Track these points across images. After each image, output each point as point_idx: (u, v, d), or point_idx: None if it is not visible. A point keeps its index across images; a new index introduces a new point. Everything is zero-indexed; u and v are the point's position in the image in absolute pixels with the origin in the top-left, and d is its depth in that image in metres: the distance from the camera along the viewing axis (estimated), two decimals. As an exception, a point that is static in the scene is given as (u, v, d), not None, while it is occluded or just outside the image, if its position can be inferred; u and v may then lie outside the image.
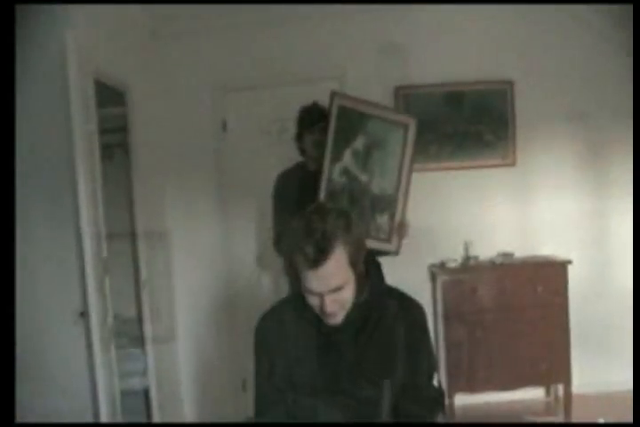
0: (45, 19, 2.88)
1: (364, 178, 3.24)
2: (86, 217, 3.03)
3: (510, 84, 4.38)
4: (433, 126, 4.37)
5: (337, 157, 3.21)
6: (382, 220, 3.24)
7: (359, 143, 3.23)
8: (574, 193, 4.48)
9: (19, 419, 2.41)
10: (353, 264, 1.70)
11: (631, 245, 4.26)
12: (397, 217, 3.24)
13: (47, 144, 3.02)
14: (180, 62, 4.35)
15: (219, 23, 4.23)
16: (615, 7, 3.83)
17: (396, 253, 3.29)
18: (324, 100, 3.26)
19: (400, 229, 3.24)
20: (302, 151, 3.47)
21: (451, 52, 4.33)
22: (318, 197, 3.14)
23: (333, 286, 1.68)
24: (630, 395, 3.89)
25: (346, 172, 3.21)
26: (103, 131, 3.45)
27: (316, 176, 3.24)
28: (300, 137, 3.46)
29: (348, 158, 3.21)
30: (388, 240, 3.25)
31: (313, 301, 1.73)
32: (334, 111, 3.19)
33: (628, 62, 3.78)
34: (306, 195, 3.18)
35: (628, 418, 1.99)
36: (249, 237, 4.36)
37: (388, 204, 3.26)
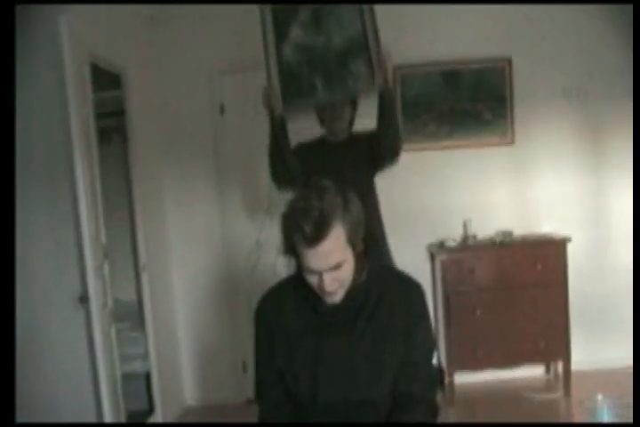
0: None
1: (320, 40, 2.97)
2: (84, 202, 3.03)
3: (508, 61, 4.36)
4: (431, 105, 4.37)
5: (281, 38, 2.97)
6: (358, 67, 2.95)
7: (304, 15, 2.98)
8: (573, 171, 4.47)
9: (20, 404, 2.43)
10: (351, 243, 1.71)
11: (630, 222, 4.26)
12: (373, 57, 2.91)
13: (44, 128, 3.00)
14: (177, 45, 4.31)
15: (214, 6, 4.18)
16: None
17: (386, 87, 3.00)
18: None
19: (380, 63, 2.91)
20: (321, 120, 3.36)
21: (448, 30, 4.30)
22: (269, 84, 2.97)
23: (332, 264, 1.68)
24: (628, 371, 3.94)
25: (296, 46, 2.98)
26: (100, 115, 3.43)
27: (334, 148, 3.26)
28: (319, 112, 3.34)
29: (295, 32, 2.98)
30: (372, 82, 2.93)
31: (312, 279, 1.73)
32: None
33: (627, 39, 3.76)
34: (319, 165, 3.09)
35: (626, 394, 2.00)
36: (247, 220, 4.35)
37: (358, 49, 2.94)
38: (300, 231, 1.63)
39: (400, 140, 3.17)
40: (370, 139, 3.18)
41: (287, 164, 3.15)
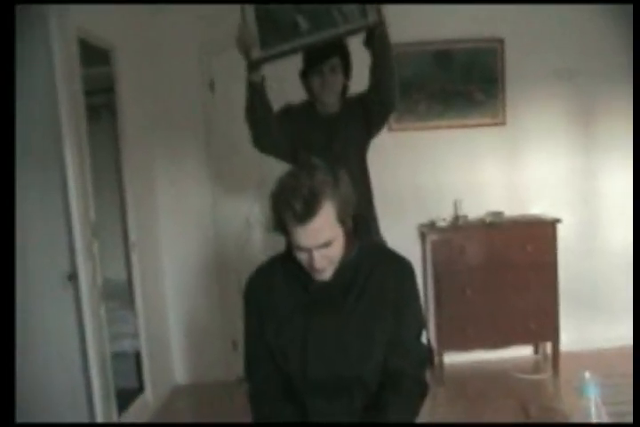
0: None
1: None
2: (73, 179, 3.02)
3: (500, 42, 4.33)
4: (422, 85, 4.34)
5: None
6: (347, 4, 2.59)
7: None
8: (564, 152, 4.47)
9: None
10: (341, 220, 1.71)
11: (620, 204, 4.27)
12: None
13: (33, 106, 2.94)
14: (167, 22, 4.24)
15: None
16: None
17: (380, 23, 2.65)
18: None
19: None
20: (309, 91, 3.00)
21: (441, 9, 4.24)
22: (244, 24, 2.63)
23: (322, 241, 1.68)
24: (617, 351, 3.98)
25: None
26: (89, 92, 3.37)
27: (325, 122, 2.96)
28: (305, 75, 2.98)
29: None
30: (364, 19, 2.57)
31: (302, 256, 1.73)
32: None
33: (621, 21, 3.74)
34: (310, 139, 2.91)
35: (614, 374, 2.01)
36: (238, 199, 4.33)
37: None
38: (290, 209, 1.63)
39: (395, 90, 2.95)
40: (362, 99, 2.94)
41: (268, 127, 2.84)
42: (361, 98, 2.96)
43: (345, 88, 3.01)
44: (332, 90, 2.93)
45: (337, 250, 1.75)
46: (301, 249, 1.71)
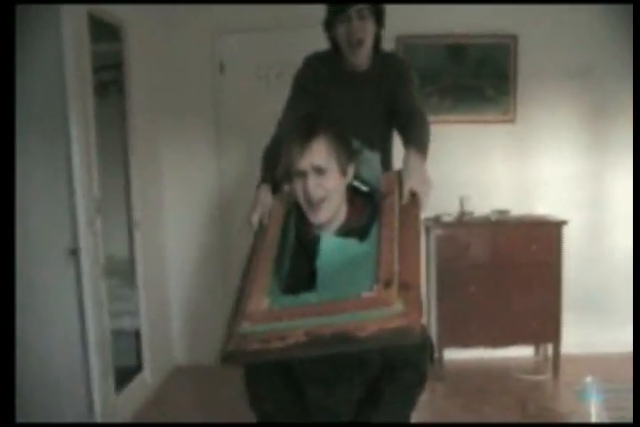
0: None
1: None
2: (78, 155, 3.00)
3: (514, 38, 4.28)
4: (434, 78, 4.29)
5: None
6: None
7: None
8: (573, 153, 4.42)
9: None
10: (337, 157, 1.86)
11: (627, 206, 4.22)
12: None
13: (39, 80, 2.93)
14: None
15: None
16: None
17: None
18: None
19: None
20: (333, 43, 2.61)
21: (455, 3, 4.19)
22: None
23: (316, 163, 1.82)
24: (619, 356, 3.95)
25: None
26: (98, 68, 3.36)
27: (350, 81, 2.60)
28: (330, 25, 2.57)
29: None
30: None
31: (298, 186, 1.86)
32: None
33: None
34: (336, 97, 2.60)
35: (616, 378, 1.99)
36: (244, 180, 4.30)
37: None
38: (296, 133, 1.86)
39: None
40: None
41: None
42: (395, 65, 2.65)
43: (377, 41, 2.60)
44: (361, 41, 2.50)
45: (332, 183, 1.85)
46: (298, 174, 1.84)
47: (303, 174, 1.83)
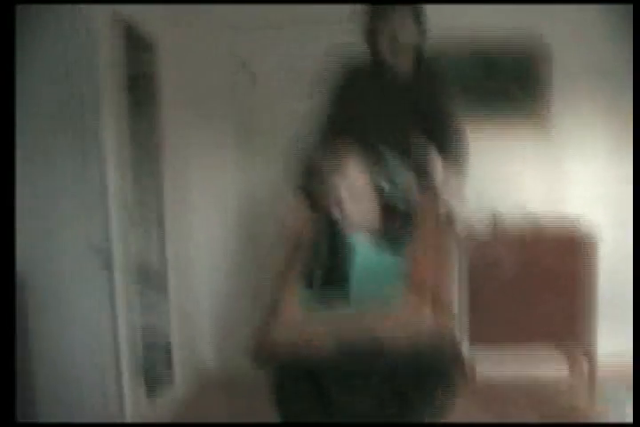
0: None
1: None
2: (112, 166, 3.07)
3: (546, 43, 4.23)
4: (463, 83, 4.22)
5: None
6: None
7: None
8: (609, 163, 4.35)
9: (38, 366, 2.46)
10: (370, 173, 1.88)
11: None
12: None
13: (77, 87, 2.97)
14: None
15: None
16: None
17: None
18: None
19: None
20: (375, 52, 2.55)
21: (485, 7, 4.16)
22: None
23: (351, 188, 1.86)
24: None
25: None
26: (130, 75, 3.41)
27: (391, 86, 2.52)
28: (370, 30, 2.52)
29: None
30: None
31: (335, 209, 1.90)
32: None
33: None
34: (375, 103, 2.54)
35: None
36: (272, 185, 4.31)
37: None
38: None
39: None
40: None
41: None
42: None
43: (420, 48, 2.59)
44: (403, 44, 2.48)
45: (366, 202, 1.89)
46: (333, 197, 1.87)
47: (338, 198, 1.86)
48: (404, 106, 2.56)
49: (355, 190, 1.82)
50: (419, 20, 2.53)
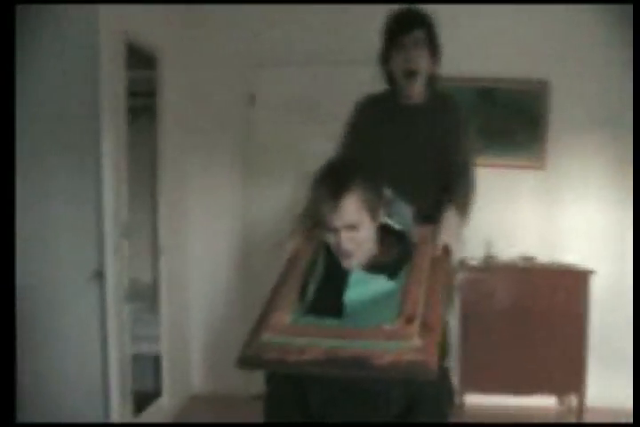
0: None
1: None
2: (109, 179, 3.07)
3: (546, 84, 4.28)
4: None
5: None
6: None
7: None
8: (603, 203, 4.36)
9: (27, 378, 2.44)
10: (369, 209, 1.85)
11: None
12: None
13: (75, 104, 2.99)
14: (214, 32, 4.34)
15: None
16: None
17: None
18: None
19: None
20: (389, 79, 2.59)
21: (487, 47, 4.23)
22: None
23: (348, 221, 1.81)
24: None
25: None
26: (132, 93, 3.43)
27: (405, 113, 2.55)
28: (385, 57, 2.56)
29: None
30: None
31: (331, 238, 1.86)
32: None
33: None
34: (388, 134, 2.56)
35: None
36: (268, 208, 4.34)
37: None
38: (324, 187, 1.82)
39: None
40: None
41: None
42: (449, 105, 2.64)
43: (433, 76, 2.60)
44: (416, 70, 2.49)
45: (364, 236, 1.86)
46: (330, 229, 1.84)
47: (335, 230, 1.83)
48: (417, 135, 2.56)
49: (352, 223, 1.81)
50: (432, 47, 2.54)
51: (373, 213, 1.85)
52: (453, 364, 4.01)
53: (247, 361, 1.77)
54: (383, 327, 1.71)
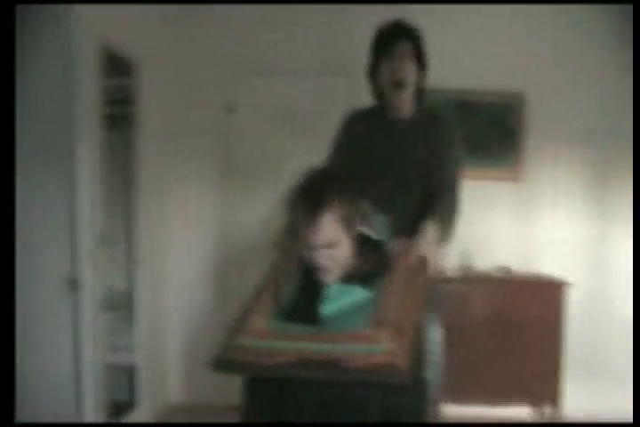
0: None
1: None
2: (83, 187, 3.06)
3: (521, 97, 4.33)
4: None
5: None
6: None
7: None
8: (577, 214, 4.41)
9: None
10: (346, 225, 1.82)
11: (630, 269, 4.17)
12: None
13: (50, 112, 2.99)
14: (194, 41, 4.33)
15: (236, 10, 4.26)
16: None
17: None
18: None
19: None
20: (377, 93, 2.61)
21: (465, 60, 4.27)
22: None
23: (325, 240, 1.79)
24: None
25: None
26: (109, 102, 3.43)
27: (393, 128, 2.58)
28: (374, 70, 2.59)
29: None
30: None
31: (307, 253, 1.84)
32: None
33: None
34: (376, 148, 2.58)
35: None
36: (247, 217, 4.34)
37: None
38: (301, 205, 1.78)
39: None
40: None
41: None
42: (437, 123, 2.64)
43: (420, 86, 2.61)
44: (403, 81, 2.52)
45: (342, 253, 1.84)
46: (307, 246, 1.81)
47: (313, 248, 1.81)
48: (404, 149, 2.58)
49: (329, 242, 1.80)
50: (420, 59, 2.57)
51: (350, 228, 1.84)
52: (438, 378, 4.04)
53: (221, 364, 1.79)
54: (354, 332, 1.75)
